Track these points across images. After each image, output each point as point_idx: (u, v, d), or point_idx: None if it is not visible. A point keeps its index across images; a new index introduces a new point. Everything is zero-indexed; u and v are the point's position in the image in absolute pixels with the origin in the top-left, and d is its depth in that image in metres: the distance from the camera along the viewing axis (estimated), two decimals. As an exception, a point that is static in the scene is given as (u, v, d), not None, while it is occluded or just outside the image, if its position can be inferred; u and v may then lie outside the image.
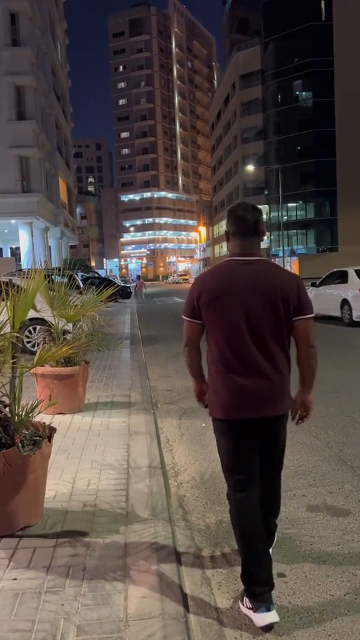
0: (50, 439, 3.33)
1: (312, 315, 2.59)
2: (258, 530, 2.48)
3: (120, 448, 4.58)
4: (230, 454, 2.56)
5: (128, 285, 42.59)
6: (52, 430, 3.41)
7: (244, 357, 2.48)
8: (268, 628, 2.34)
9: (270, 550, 2.63)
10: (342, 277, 14.70)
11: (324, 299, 14.96)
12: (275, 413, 2.51)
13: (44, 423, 3.46)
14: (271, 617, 2.33)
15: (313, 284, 16.61)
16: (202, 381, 2.78)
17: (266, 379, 2.48)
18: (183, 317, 2.69)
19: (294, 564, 2.86)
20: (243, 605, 2.46)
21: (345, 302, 13.89)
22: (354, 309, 13.35)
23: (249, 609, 2.39)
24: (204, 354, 2.68)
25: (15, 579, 2.61)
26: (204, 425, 5.55)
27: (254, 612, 2.36)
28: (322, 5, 52.86)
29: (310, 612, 2.47)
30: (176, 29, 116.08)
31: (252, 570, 2.41)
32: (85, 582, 2.56)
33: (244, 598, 2.44)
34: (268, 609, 2.33)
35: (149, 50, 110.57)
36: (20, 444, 3.14)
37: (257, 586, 2.38)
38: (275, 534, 2.82)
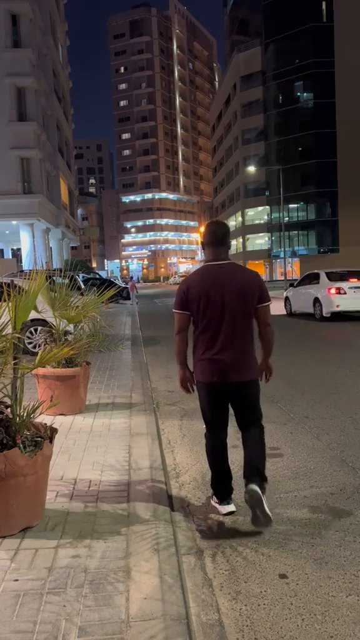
0: (51, 440, 3.33)
1: (270, 302, 3.44)
2: (223, 459, 3.47)
3: (122, 449, 4.58)
4: (209, 408, 3.47)
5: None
6: (54, 431, 3.41)
7: (222, 337, 3.30)
8: (229, 514, 3.43)
9: (264, 491, 3.23)
10: (315, 279, 16.61)
11: (300, 298, 17.27)
12: (244, 379, 3.33)
13: (46, 424, 3.46)
14: (231, 507, 3.44)
15: (291, 284, 19.22)
16: (186, 367, 3.51)
17: (237, 353, 3.31)
18: (174, 310, 3.44)
19: (296, 565, 2.86)
20: (212, 500, 3.56)
21: (316, 301, 15.89)
22: (324, 306, 15.39)
23: (216, 502, 3.50)
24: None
25: (17, 580, 2.60)
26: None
27: (219, 505, 3.47)
28: (323, 6, 52.92)
29: (312, 613, 2.46)
30: (177, 30, 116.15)
31: (218, 482, 3.48)
32: (86, 583, 2.56)
33: (213, 497, 3.56)
34: (228, 503, 3.46)
35: (149, 52, 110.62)
36: (21, 445, 3.14)
37: (222, 490, 3.47)
38: (265, 482, 3.33)
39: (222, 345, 3.30)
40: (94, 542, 2.97)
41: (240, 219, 67.12)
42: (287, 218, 54.06)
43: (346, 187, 52.35)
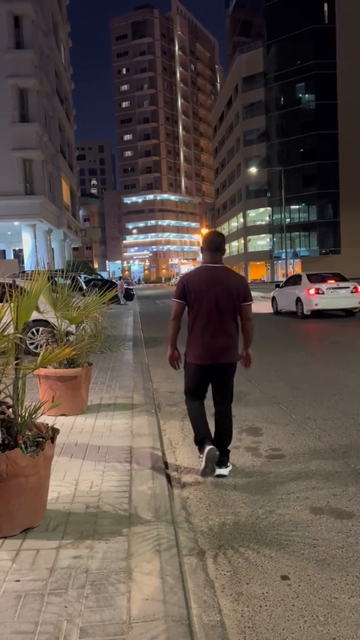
0: (53, 440, 3.33)
1: (252, 302, 4.18)
2: (203, 421, 4.17)
3: (123, 450, 4.58)
4: (193, 383, 4.23)
5: (131, 287, 42.54)
6: (55, 431, 3.41)
7: (212, 326, 4.04)
8: (211, 450, 4.00)
9: (227, 468, 4.19)
10: (298, 280, 18.37)
11: (285, 298, 18.92)
12: (226, 361, 4.10)
13: (47, 424, 3.45)
14: (209, 447, 4.01)
15: (277, 285, 21.18)
16: (175, 348, 4.24)
17: (223, 340, 4.05)
18: (173, 299, 4.18)
19: (298, 567, 2.85)
20: (199, 452, 4.16)
21: (298, 300, 17.46)
22: (305, 305, 17.01)
23: (200, 451, 4.11)
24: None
25: (18, 581, 2.60)
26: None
27: (201, 456, 4.07)
28: (325, 8, 52.94)
29: (315, 615, 2.45)
30: (179, 32, 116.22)
31: (200, 439, 4.11)
32: (88, 584, 2.55)
33: (198, 450, 4.17)
34: (208, 444, 4.04)
35: (151, 53, 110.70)
36: (23, 446, 3.14)
37: (203, 444, 4.06)
38: (229, 450, 4.27)
39: (214, 333, 4.05)
40: (96, 542, 2.96)
41: (241, 220, 67.13)
42: (289, 219, 54.06)
43: (348, 188, 52.33)
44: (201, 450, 4.09)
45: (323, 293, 16.77)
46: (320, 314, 17.18)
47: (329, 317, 17.17)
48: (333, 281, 17.30)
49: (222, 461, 4.15)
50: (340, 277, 17.84)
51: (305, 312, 16.99)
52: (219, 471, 4.12)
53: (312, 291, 16.81)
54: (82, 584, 2.55)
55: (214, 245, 4.15)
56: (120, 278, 41.71)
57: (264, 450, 4.78)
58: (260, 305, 22.23)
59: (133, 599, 2.43)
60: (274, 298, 20.34)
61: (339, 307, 17.04)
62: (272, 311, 20.16)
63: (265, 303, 22.54)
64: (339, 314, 17.58)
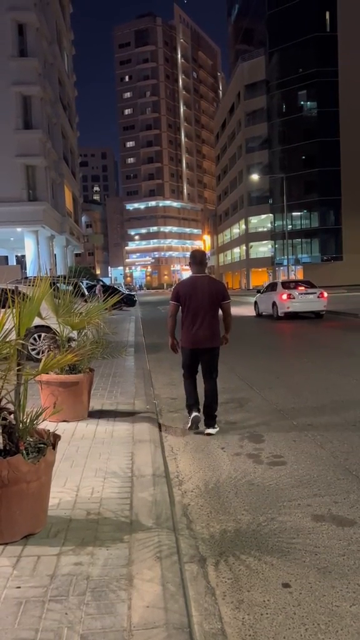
0: (54, 446, 3.33)
1: (229, 300, 5.65)
2: (193, 392, 5.63)
3: (124, 456, 4.57)
4: (186, 361, 5.64)
5: (133, 293, 42.58)
6: (57, 437, 3.41)
7: (199, 320, 5.45)
8: (195, 420, 5.52)
9: (214, 430, 5.53)
10: (274, 287, 21.10)
11: (264, 302, 21.72)
12: (211, 346, 5.52)
13: (49, 430, 3.45)
14: (195, 413, 5.54)
15: (258, 291, 24.31)
16: (174, 337, 5.66)
17: (207, 331, 5.45)
18: (170, 301, 5.64)
19: (299, 575, 2.84)
20: (186, 414, 5.72)
21: (274, 304, 20.22)
22: (278, 308, 19.80)
23: (187, 415, 5.61)
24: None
25: (19, 587, 2.60)
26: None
27: (189, 416, 5.55)
28: (327, 16, 53.19)
29: (316, 623, 2.44)
30: (182, 40, 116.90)
31: (189, 405, 5.62)
32: (88, 591, 2.54)
33: (188, 412, 5.62)
34: (197, 411, 5.55)
35: (154, 61, 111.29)
36: (24, 452, 3.14)
37: (191, 409, 5.57)
38: (216, 416, 5.64)
39: (200, 325, 5.44)
40: (97, 549, 2.96)
41: (243, 226, 67.20)
42: (291, 226, 54.10)
43: (349, 195, 52.39)
44: (189, 413, 5.59)
45: (294, 298, 19.47)
46: (292, 316, 19.89)
47: (300, 319, 19.86)
48: (303, 288, 20.11)
49: (210, 424, 5.53)
50: (309, 285, 20.86)
51: (279, 314, 19.75)
52: (208, 431, 5.48)
53: (284, 296, 19.52)
54: (83, 591, 2.54)
55: (198, 260, 5.62)
56: (98, 281, 36.21)
57: (265, 457, 4.77)
58: (248, 309, 25.42)
59: (134, 606, 2.42)
60: (256, 302, 23.11)
61: (307, 309, 19.92)
62: (255, 314, 22.98)
63: (251, 307, 25.00)
64: (309, 316, 20.37)
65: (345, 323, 18.09)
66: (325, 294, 20.05)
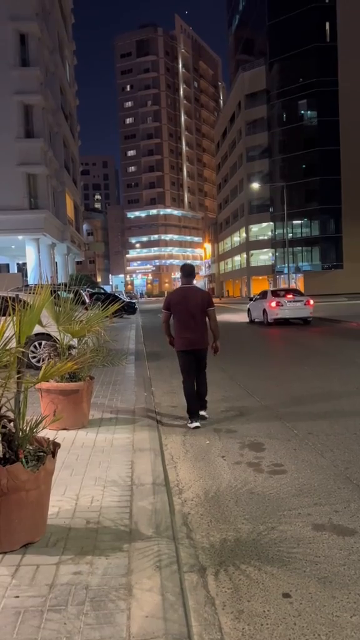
0: (54, 454, 3.32)
1: (214, 308, 6.26)
2: (193, 393, 6.20)
3: (124, 465, 4.56)
4: (184, 364, 6.25)
5: (134, 301, 42.60)
6: (56, 446, 3.40)
7: (189, 325, 6.13)
8: (196, 427, 6.02)
9: (205, 414, 6.41)
10: (265, 295, 22.46)
11: (256, 309, 23.17)
12: (201, 347, 6.21)
13: (48, 439, 3.45)
14: (196, 424, 6.07)
15: (251, 299, 26.80)
16: (171, 336, 6.38)
17: (197, 334, 6.14)
18: (162, 309, 6.39)
19: (299, 584, 2.82)
20: (188, 423, 6.14)
21: (264, 311, 21.66)
22: (268, 315, 21.17)
23: (189, 423, 6.10)
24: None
25: (18, 597, 2.58)
26: (208, 442, 5.53)
27: (190, 423, 6.08)
28: (327, 26, 53.62)
29: (317, 634, 2.42)
30: (183, 50, 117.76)
31: (191, 408, 6.15)
32: (87, 601, 2.53)
33: (188, 420, 6.16)
34: (196, 421, 6.11)
35: (155, 70, 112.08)
36: (24, 460, 3.13)
37: (192, 413, 6.13)
38: (206, 401, 6.52)
39: (190, 330, 6.14)
40: (96, 558, 2.94)
41: (244, 234, 67.34)
42: (291, 234, 54.23)
43: (350, 203, 52.58)
44: (190, 420, 6.18)
45: (283, 305, 20.94)
46: (281, 322, 21.34)
47: (289, 325, 21.30)
48: (291, 296, 21.60)
49: (203, 405, 6.42)
50: (297, 293, 22.77)
51: (269, 321, 21.17)
52: (201, 413, 6.31)
53: (273, 304, 21.05)
54: (82, 601, 2.53)
55: (187, 272, 6.34)
56: (84, 289, 30.16)
57: (265, 465, 4.75)
58: (243, 316, 26.75)
59: (133, 616, 2.41)
60: (249, 309, 24.57)
61: (295, 316, 21.28)
62: (248, 321, 24.48)
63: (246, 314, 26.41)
64: (297, 322, 21.81)
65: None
66: (312, 302, 21.43)
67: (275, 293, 22.13)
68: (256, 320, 23.27)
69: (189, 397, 6.18)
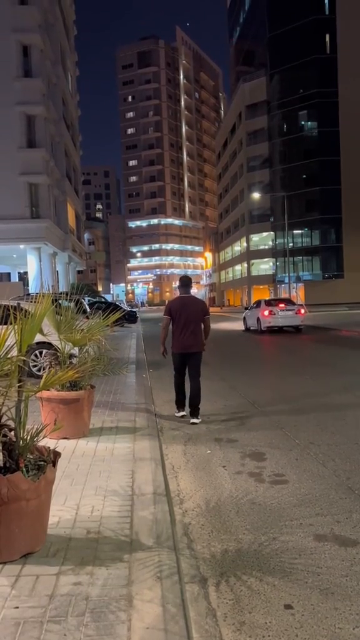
0: (54, 464, 3.31)
1: (209, 316, 7.11)
2: (182, 390, 7.14)
3: (125, 474, 4.54)
4: (178, 365, 7.06)
5: (135, 309, 42.60)
6: (57, 455, 3.39)
7: (185, 330, 6.88)
8: (182, 416, 7.09)
9: (198, 420, 6.79)
10: (259, 304, 23.54)
11: (250, 317, 24.37)
12: (194, 351, 6.94)
13: (49, 448, 3.43)
14: (183, 412, 7.16)
15: (246, 308, 28.97)
16: (163, 345, 7.09)
17: (193, 338, 6.90)
18: (163, 315, 7.11)
19: (301, 596, 2.80)
20: (175, 412, 7.24)
21: (258, 319, 22.73)
22: (262, 323, 22.29)
23: (177, 412, 7.22)
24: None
25: (17, 607, 2.56)
26: (209, 452, 5.51)
27: (177, 412, 7.21)
28: (327, 38, 54.13)
29: (318, 646, 2.40)
30: (184, 61, 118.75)
31: (179, 400, 7.19)
32: (88, 612, 2.51)
33: (176, 410, 7.24)
34: (183, 410, 7.17)
35: (157, 82, 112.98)
36: (24, 469, 3.12)
37: (180, 404, 7.19)
38: (199, 408, 6.88)
39: (187, 334, 6.86)
40: (96, 569, 2.92)
41: (245, 244, 67.50)
42: (292, 244, 54.34)
43: (350, 213, 52.78)
44: (178, 409, 7.19)
45: (275, 314, 22.08)
46: (274, 330, 22.58)
47: (282, 333, 22.54)
48: (283, 305, 22.67)
49: (195, 414, 6.81)
50: (289, 302, 23.91)
51: (262, 329, 22.29)
52: (192, 420, 6.75)
53: (266, 312, 22.18)
54: (82, 612, 2.51)
55: (184, 283, 7.15)
56: (84, 297, 28.42)
57: (267, 475, 4.73)
58: (239, 324, 27.88)
59: (133, 627, 2.39)
60: (244, 318, 25.72)
61: (287, 324, 22.44)
62: (243, 328, 25.62)
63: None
64: (289, 330, 23.06)
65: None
66: (303, 311, 22.73)
67: (268, 302, 23.25)
68: (251, 328, 24.31)
69: (178, 387, 7.11)
